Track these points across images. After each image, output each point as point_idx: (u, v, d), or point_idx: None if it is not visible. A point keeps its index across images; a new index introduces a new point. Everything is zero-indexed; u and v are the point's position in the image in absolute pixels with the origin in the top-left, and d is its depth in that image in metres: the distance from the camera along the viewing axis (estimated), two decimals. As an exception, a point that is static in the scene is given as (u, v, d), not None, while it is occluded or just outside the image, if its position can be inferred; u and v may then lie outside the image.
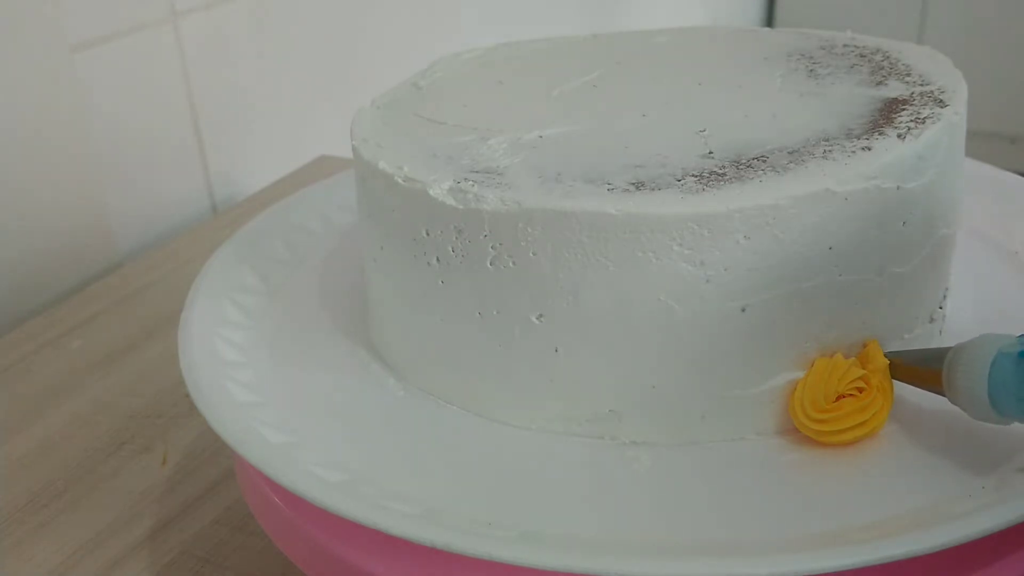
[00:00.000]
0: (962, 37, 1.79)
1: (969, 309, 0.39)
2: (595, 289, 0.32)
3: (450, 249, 0.34)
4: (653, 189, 0.32)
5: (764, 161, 0.33)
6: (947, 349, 0.31)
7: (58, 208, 0.63)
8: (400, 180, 0.35)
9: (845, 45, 0.44)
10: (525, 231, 0.32)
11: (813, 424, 0.33)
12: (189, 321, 0.40)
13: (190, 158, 0.74)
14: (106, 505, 0.44)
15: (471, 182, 0.34)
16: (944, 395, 0.32)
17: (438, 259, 0.35)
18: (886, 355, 0.34)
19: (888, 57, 0.41)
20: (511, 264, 0.33)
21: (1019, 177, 0.46)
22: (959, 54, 0.44)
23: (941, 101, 0.36)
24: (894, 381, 0.34)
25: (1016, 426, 0.32)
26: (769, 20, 2.01)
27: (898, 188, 0.33)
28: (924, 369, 0.32)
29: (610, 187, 0.32)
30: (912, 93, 0.37)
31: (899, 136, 0.34)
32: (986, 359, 0.30)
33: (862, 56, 0.42)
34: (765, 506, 0.31)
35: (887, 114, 0.36)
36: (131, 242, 0.69)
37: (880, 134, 0.34)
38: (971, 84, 0.38)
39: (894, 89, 0.38)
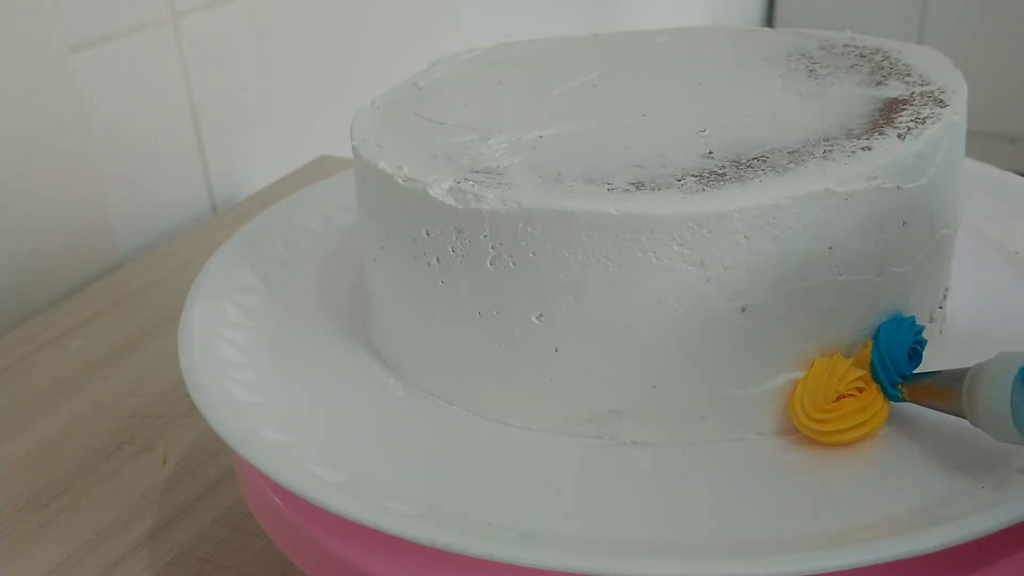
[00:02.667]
0: (962, 37, 1.79)
1: (969, 309, 0.39)
2: (595, 289, 0.32)
3: (450, 249, 0.34)
4: (653, 189, 0.32)
5: (764, 161, 0.33)
6: (965, 370, 0.30)
7: (58, 208, 0.63)
8: (400, 180, 0.35)
9: (845, 45, 0.44)
10: (525, 231, 0.32)
11: (813, 424, 0.33)
12: (189, 321, 0.40)
13: (190, 158, 0.74)
14: (106, 505, 0.44)
15: (471, 182, 0.33)
16: (964, 417, 0.30)
17: (438, 259, 0.35)
18: (904, 378, 0.33)
19: (888, 57, 0.41)
20: (511, 264, 0.33)
21: (1019, 177, 0.46)
22: (959, 54, 0.44)
23: (941, 101, 0.36)
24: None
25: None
26: (769, 20, 2.01)
27: (898, 188, 0.33)
28: (942, 390, 0.31)
29: (610, 187, 0.32)
30: (912, 93, 0.37)
31: (899, 136, 0.34)
32: (1008, 378, 0.29)
33: (862, 56, 0.42)
34: (765, 506, 0.31)
35: (887, 114, 0.36)
36: (131, 242, 0.69)
37: (880, 134, 0.34)
38: (971, 84, 0.38)
39: (894, 89, 0.38)
